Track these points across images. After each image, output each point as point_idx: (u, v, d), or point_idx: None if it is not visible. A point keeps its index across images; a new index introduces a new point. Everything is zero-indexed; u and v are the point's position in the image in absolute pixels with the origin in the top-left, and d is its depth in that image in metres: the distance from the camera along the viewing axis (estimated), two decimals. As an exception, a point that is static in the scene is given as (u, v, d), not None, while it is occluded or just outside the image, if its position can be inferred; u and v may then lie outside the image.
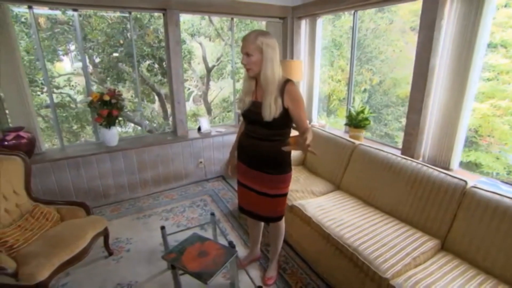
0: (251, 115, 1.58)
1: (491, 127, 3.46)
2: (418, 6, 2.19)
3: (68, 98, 5.79)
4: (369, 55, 5.20)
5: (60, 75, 5.76)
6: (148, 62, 5.71)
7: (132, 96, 6.10)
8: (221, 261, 1.55)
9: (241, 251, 2.19)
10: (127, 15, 2.96)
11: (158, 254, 2.18)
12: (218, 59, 6.95)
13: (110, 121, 2.75)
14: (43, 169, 2.54)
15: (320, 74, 3.57)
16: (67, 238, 1.79)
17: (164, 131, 3.82)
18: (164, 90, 6.29)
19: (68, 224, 1.95)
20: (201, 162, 3.36)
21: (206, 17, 5.96)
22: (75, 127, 5.95)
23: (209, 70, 6.96)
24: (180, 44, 2.99)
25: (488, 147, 3.55)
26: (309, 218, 1.96)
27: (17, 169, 2.02)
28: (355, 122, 2.77)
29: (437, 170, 1.84)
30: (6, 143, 2.28)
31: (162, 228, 1.94)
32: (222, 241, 2.18)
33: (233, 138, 3.23)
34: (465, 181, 1.68)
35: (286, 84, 1.48)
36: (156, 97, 6.70)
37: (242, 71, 1.61)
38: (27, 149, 2.38)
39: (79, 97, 5.82)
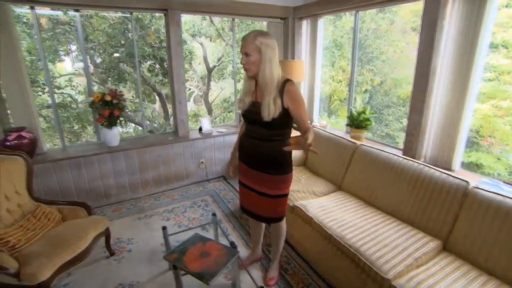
0: (251, 115, 1.58)
1: (492, 128, 3.45)
2: (419, 6, 2.19)
3: (69, 98, 5.80)
4: (370, 55, 5.20)
5: (61, 75, 5.78)
6: (149, 62, 5.72)
7: (133, 97, 6.11)
8: (222, 261, 1.55)
9: (243, 251, 2.19)
10: (128, 15, 2.96)
11: (159, 254, 2.18)
12: (219, 60, 6.96)
13: (111, 121, 2.75)
14: (45, 169, 2.55)
15: (321, 74, 3.57)
16: (69, 238, 1.79)
17: (165, 132, 3.82)
18: (165, 90, 6.30)
19: (69, 224, 1.96)
20: (202, 163, 3.36)
21: (207, 17, 5.97)
22: (76, 127, 5.97)
23: (210, 71, 6.96)
24: (182, 45, 2.99)
25: (489, 147, 3.54)
26: (311, 219, 1.96)
27: (19, 169, 2.02)
28: (357, 123, 2.77)
29: (438, 170, 1.83)
30: (8, 143, 2.29)
31: (164, 228, 1.94)
32: (224, 241, 2.18)
33: (234, 138, 3.24)
34: (467, 182, 1.67)
35: (286, 84, 1.48)
36: (157, 97, 6.71)
37: (243, 71, 1.61)
38: (29, 149, 2.38)
39: (80, 97, 5.83)
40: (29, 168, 2.07)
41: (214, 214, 2.11)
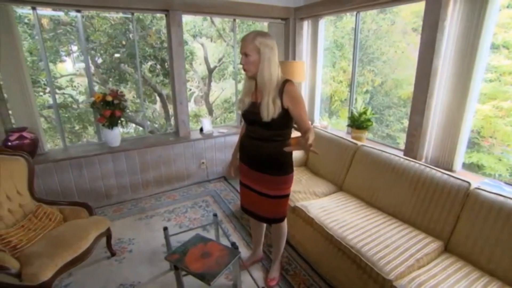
0: (250, 116, 1.58)
1: (493, 128, 3.45)
2: (420, 7, 2.19)
3: (70, 99, 5.81)
4: (371, 56, 5.20)
5: (62, 76, 5.78)
6: (150, 63, 5.72)
7: (134, 97, 6.11)
8: (224, 262, 1.55)
9: (244, 252, 2.19)
10: (129, 16, 2.97)
11: (160, 255, 2.18)
12: (219, 60, 6.96)
13: (112, 122, 2.75)
14: (46, 170, 2.55)
15: (322, 75, 3.57)
16: (70, 238, 1.79)
17: (166, 132, 3.82)
18: (165, 91, 6.30)
19: (71, 225, 1.96)
20: (203, 163, 3.36)
21: (208, 18, 5.98)
22: (77, 127, 5.97)
23: (210, 71, 6.97)
24: (183, 45, 3.00)
25: (490, 148, 3.54)
26: (312, 219, 1.96)
27: (20, 170, 2.02)
28: (358, 123, 2.77)
29: (440, 171, 1.83)
30: (9, 143, 2.29)
31: (165, 229, 1.94)
32: (225, 242, 2.18)
33: (235, 139, 3.25)
34: (469, 183, 1.67)
35: (285, 84, 1.48)
36: (158, 98, 6.71)
37: (244, 72, 1.61)
38: (30, 149, 2.39)
39: (81, 98, 5.84)
40: (30, 168, 2.08)
41: (215, 215, 2.11)
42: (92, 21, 5.18)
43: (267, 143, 1.57)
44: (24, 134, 2.39)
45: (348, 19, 5.19)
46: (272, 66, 1.46)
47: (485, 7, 1.78)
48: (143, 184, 3.07)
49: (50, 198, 2.34)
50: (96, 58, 5.65)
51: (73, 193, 2.72)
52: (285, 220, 1.81)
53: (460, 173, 2.06)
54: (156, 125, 6.87)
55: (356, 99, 3.07)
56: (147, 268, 2.05)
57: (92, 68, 5.63)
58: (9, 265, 1.49)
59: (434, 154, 2.22)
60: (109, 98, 2.69)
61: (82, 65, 5.62)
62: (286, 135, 1.60)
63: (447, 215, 1.70)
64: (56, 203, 2.12)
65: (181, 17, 2.89)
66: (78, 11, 2.61)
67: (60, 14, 4.75)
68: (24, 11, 4.23)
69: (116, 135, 2.85)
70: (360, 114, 2.77)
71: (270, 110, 1.46)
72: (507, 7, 3.28)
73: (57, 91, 5.42)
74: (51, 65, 5.17)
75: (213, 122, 7.17)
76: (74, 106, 5.83)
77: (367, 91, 5.28)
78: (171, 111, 6.50)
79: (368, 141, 2.83)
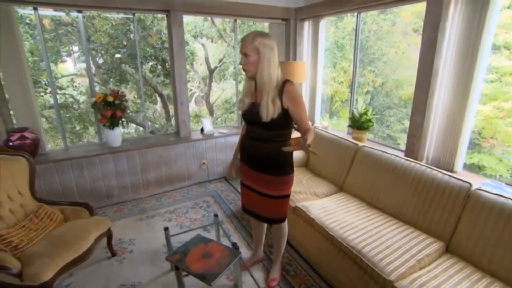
0: (250, 116, 1.58)
1: (494, 129, 3.45)
2: (420, 7, 2.19)
3: (71, 99, 5.82)
4: (371, 56, 5.20)
5: (63, 76, 5.79)
6: (151, 63, 5.73)
7: (134, 97, 6.12)
8: (225, 262, 1.55)
9: (244, 252, 2.19)
10: (130, 16, 2.98)
11: (161, 255, 2.18)
12: (220, 61, 6.96)
13: (113, 122, 2.76)
14: (47, 170, 2.55)
15: (322, 75, 3.57)
16: (71, 238, 1.79)
17: (167, 132, 3.83)
18: (166, 91, 6.31)
19: (72, 225, 1.96)
20: (204, 163, 3.36)
21: (209, 18, 5.98)
22: (78, 127, 5.98)
23: (211, 71, 6.97)
24: (184, 45, 3.00)
25: (491, 149, 3.53)
26: (313, 220, 1.96)
27: (21, 170, 2.03)
28: (358, 124, 2.77)
29: (441, 172, 1.83)
30: (10, 143, 2.29)
31: (166, 229, 1.94)
32: (226, 242, 2.18)
33: (236, 139, 3.25)
34: (470, 184, 1.67)
35: (285, 84, 1.48)
36: (159, 98, 6.71)
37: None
38: (31, 149, 2.39)
39: (82, 98, 5.85)
40: (31, 169, 2.08)
41: (216, 215, 2.11)
42: (93, 21, 5.19)
43: (267, 144, 1.57)
44: (25, 134, 2.39)
45: (349, 19, 5.19)
46: (272, 66, 1.46)
47: (486, 8, 1.79)
48: (144, 185, 3.08)
49: (51, 198, 2.34)
50: (97, 59, 5.66)
51: (74, 193, 2.72)
52: (286, 221, 1.81)
53: (461, 174, 2.06)
54: (157, 126, 6.88)
55: (357, 100, 3.08)
56: (147, 269, 2.05)
57: (93, 68, 5.63)
58: (10, 265, 1.49)
59: (435, 155, 2.22)
60: (110, 99, 2.69)
61: (83, 65, 5.63)
62: (286, 135, 1.60)
63: (448, 216, 1.70)
64: (57, 203, 2.12)
65: (182, 17, 2.89)
66: (80, 11, 2.61)
67: (61, 14, 4.75)
68: (25, 11, 4.24)
69: (117, 135, 2.85)
70: (361, 115, 2.77)
71: (269, 111, 1.46)
72: (508, 7, 3.28)
73: (58, 91, 5.43)
74: (52, 66, 5.18)
75: (214, 122, 7.16)
76: (75, 106, 5.84)
77: (367, 92, 5.27)
78: (171, 111, 6.50)
79: (368, 142, 2.83)
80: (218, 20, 6.29)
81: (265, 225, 2.02)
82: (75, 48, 5.73)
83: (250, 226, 2.42)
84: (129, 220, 2.66)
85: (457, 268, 1.51)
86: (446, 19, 1.99)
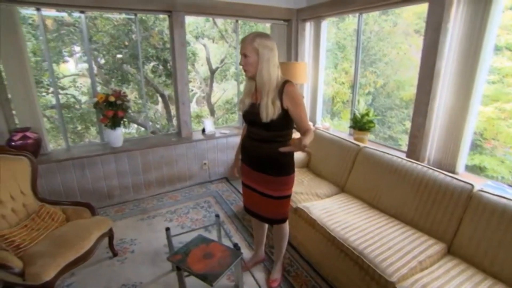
0: (250, 116, 1.59)
1: (496, 130, 3.44)
2: (422, 8, 2.20)
3: (72, 99, 5.83)
4: (373, 57, 5.20)
5: (65, 76, 5.81)
6: (152, 63, 5.74)
7: (136, 97, 6.14)
8: (226, 263, 1.55)
9: (246, 253, 2.19)
10: (132, 17, 2.98)
11: (162, 255, 2.18)
12: (221, 61, 6.97)
13: (115, 122, 2.76)
14: (49, 170, 2.56)
15: (324, 76, 3.57)
16: (73, 238, 1.80)
17: (168, 133, 3.83)
18: (167, 92, 6.32)
19: (73, 225, 1.97)
20: (205, 164, 3.36)
21: (210, 19, 6.00)
22: (79, 127, 5.99)
23: (212, 72, 6.98)
24: (185, 46, 3.01)
25: (492, 150, 3.52)
26: (314, 221, 1.96)
27: (24, 169, 2.03)
28: (360, 125, 2.76)
29: (443, 173, 1.83)
30: (13, 143, 2.30)
31: (167, 229, 1.94)
32: (227, 243, 2.19)
33: (237, 139, 3.25)
34: (472, 185, 1.67)
35: (285, 85, 1.49)
36: (160, 98, 6.73)
37: (245, 72, 1.62)
38: (33, 149, 2.40)
39: (83, 98, 5.87)
40: (34, 168, 2.09)
41: (217, 216, 2.11)
42: (95, 21, 5.21)
43: (267, 144, 1.58)
44: (28, 134, 2.40)
45: (350, 20, 5.19)
46: (271, 67, 1.47)
47: (489, 9, 1.78)
48: (145, 185, 3.08)
49: (53, 198, 2.35)
50: (99, 59, 5.67)
51: (75, 193, 2.73)
52: (287, 221, 1.81)
53: (463, 175, 2.06)
54: (158, 126, 6.89)
55: (358, 101, 3.07)
56: (149, 269, 2.06)
57: (95, 69, 5.66)
58: (13, 265, 1.50)
59: (437, 156, 2.21)
60: (112, 99, 2.70)
61: (85, 65, 5.64)
62: (286, 136, 1.60)
63: (450, 217, 1.69)
64: (59, 203, 2.13)
65: (183, 18, 2.90)
66: (82, 12, 2.62)
67: (63, 15, 4.77)
68: (28, 11, 4.26)
69: (118, 135, 2.86)
70: (363, 116, 2.77)
71: (269, 111, 1.46)
72: (510, 8, 3.27)
73: (60, 91, 5.44)
74: (54, 66, 5.19)
75: (215, 123, 7.16)
76: (77, 106, 5.86)
77: (369, 93, 5.27)
78: (173, 111, 6.52)
79: (370, 143, 2.82)
80: (219, 21, 6.30)
81: (266, 225, 2.02)
82: (77, 49, 5.75)
83: (251, 227, 2.42)
84: (130, 220, 2.66)
85: (459, 270, 1.50)
86: (448, 20, 1.99)
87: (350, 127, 3.02)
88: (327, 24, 3.36)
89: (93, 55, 5.37)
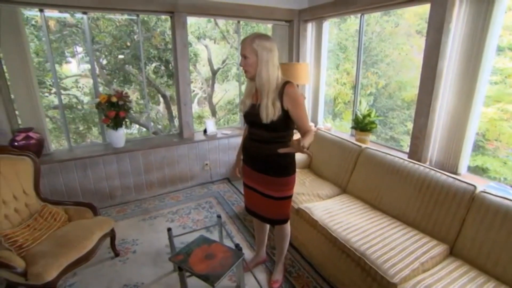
0: (251, 117, 1.59)
1: (498, 131, 3.42)
2: (423, 9, 2.20)
3: (75, 100, 5.86)
4: (374, 58, 5.20)
5: (67, 77, 5.84)
6: (154, 64, 5.76)
7: (137, 98, 6.15)
8: (228, 263, 1.55)
9: (247, 253, 2.19)
10: (134, 17, 2.99)
11: (164, 255, 2.18)
12: (223, 62, 6.98)
13: (117, 123, 2.77)
14: (51, 170, 2.57)
15: (325, 77, 3.57)
16: (75, 238, 1.80)
17: (170, 133, 3.84)
18: (169, 92, 6.33)
19: (75, 225, 1.97)
20: (206, 164, 3.37)
21: (212, 20, 6.01)
22: (81, 128, 6.02)
23: (214, 73, 6.99)
24: (187, 47, 3.01)
25: (495, 151, 3.51)
26: (316, 222, 1.96)
27: (26, 169, 2.04)
28: (362, 126, 2.76)
29: (445, 174, 1.82)
30: (16, 143, 2.31)
31: (169, 230, 1.95)
32: (228, 243, 2.19)
33: (238, 140, 3.24)
34: (474, 186, 1.66)
35: (285, 86, 1.49)
36: (161, 99, 6.74)
37: (246, 73, 1.63)
38: (36, 149, 2.41)
39: (86, 99, 5.89)
40: (36, 168, 2.10)
41: (219, 216, 2.11)
42: (98, 22, 5.23)
43: (268, 145, 1.58)
44: (30, 134, 2.41)
45: (352, 21, 5.19)
46: (270, 68, 1.47)
47: (491, 9, 1.78)
48: (147, 185, 3.09)
49: (55, 198, 2.36)
50: (101, 59, 5.69)
51: (77, 193, 2.74)
52: (288, 222, 1.81)
53: (465, 176, 2.05)
54: (160, 126, 6.90)
55: (360, 101, 3.07)
56: (150, 269, 2.06)
57: (97, 69, 5.68)
58: (15, 264, 1.51)
59: (439, 157, 2.21)
60: (114, 99, 2.71)
61: (87, 66, 5.67)
62: (287, 136, 1.60)
63: (452, 218, 1.69)
64: (61, 203, 2.13)
65: (185, 19, 2.90)
66: (85, 12, 2.63)
67: (66, 16, 4.80)
68: (31, 13, 4.29)
69: (120, 136, 2.87)
70: (364, 117, 2.77)
71: (269, 112, 1.46)
72: (513, 9, 3.26)
73: (62, 92, 5.47)
74: (56, 66, 5.22)
75: (216, 123, 7.18)
76: (79, 106, 5.88)
77: (370, 93, 5.27)
78: (174, 112, 6.53)
79: (371, 144, 2.82)
80: (221, 22, 6.31)
81: (268, 226, 2.02)
82: (79, 49, 5.78)
83: (253, 227, 2.42)
84: (132, 221, 2.67)
85: (461, 271, 1.50)
86: (451, 20, 1.99)
87: (352, 128, 3.02)
88: (328, 25, 3.36)
89: (95, 56, 5.39)
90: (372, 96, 5.29)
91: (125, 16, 5.00)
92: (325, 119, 3.83)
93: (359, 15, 2.89)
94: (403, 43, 4.92)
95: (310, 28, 3.47)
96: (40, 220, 1.92)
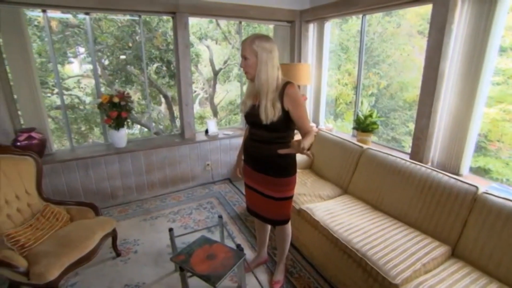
0: (251, 118, 1.59)
1: (501, 132, 3.41)
2: (425, 9, 2.19)
3: (77, 100, 5.88)
4: (376, 58, 5.19)
5: (69, 77, 5.87)
6: (156, 64, 5.78)
7: (139, 98, 6.17)
8: (229, 264, 1.55)
9: (248, 254, 2.19)
10: (136, 18, 3.01)
11: (165, 256, 2.19)
12: (225, 62, 7.00)
13: (119, 123, 2.78)
14: (53, 170, 2.58)
15: (327, 77, 3.57)
16: (77, 238, 1.81)
17: (172, 133, 3.85)
18: (171, 93, 6.35)
19: (77, 225, 1.98)
20: (208, 165, 3.37)
21: (214, 20, 6.02)
22: (83, 128, 6.04)
23: (215, 73, 7.00)
24: (189, 47, 3.02)
25: (497, 152, 3.50)
26: (317, 222, 1.96)
27: (29, 169, 2.05)
28: (363, 126, 2.76)
29: (447, 175, 1.81)
30: (18, 143, 2.32)
31: (170, 230, 1.95)
32: (230, 243, 2.18)
33: (240, 141, 3.25)
34: (476, 187, 1.65)
35: (286, 86, 1.49)
36: (163, 99, 6.76)
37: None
38: (38, 149, 2.42)
39: (87, 99, 5.91)
40: (38, 168, 2.10)
41: (220, 216, 2.11)
42: (100, 23, 5.25)
43: (269, 145, 1.58)
44: (33, 134, 2.43)
45: (353, 21, 5.19)
46: (270, 69, 1.47)
47: (493, 10, 1.77)
48: (149, 185, 3.09)
49: (57, 198, 2.37)
50: (103, 60, 5.72)
51: (79, 193, 2.74)
52: (289, 223, 1.81)
53: (467, 177, 2.04)
54: (161, 127, 6.92)
55: (361, 102, 3.06)
56: (152, 269, 2.06)
57: (99, 70, 5.70)
58: (18, 264, 1.52)
59: (441, 158, 2.20)
60: (116, 100, 2.72)
61: (89, 66, 5.70)
62: (288, 137, 1.60)
63: (454, 219, 1.68)
64: (63, 203, 2.14)
65: (187, 19, 2.91)
66: (87, 13, 2.64)
67: (68, 16, 4.82)
68: (34, 13, 4.31)
69: (122, 136, 2.88)
70: (366, 117, 2.76)
71: (269, 113, 1.47)
72: (515, 10, 3.25)
73: (65, 92, 5.49)
74: (58, 67, 5.25)
75: (218, 124, 7.19)
76: (81, 107, 5.91)
77: (372, 94, 5.26)
78: (176, 112, 6.54)
79: (373, 144, 2.81)
80: (223, 22, 6.33)
81: (269, 226, 2.01)
82: (82, 50, 5.80)
83: (254, 228, 2.42)
84: (133, 221, 2.68)
85: (463, 273, 1.49)
86: (453, 21, 1.98)
87: (353, 128, 3.01)
88: (330, 26, 3.36)
89: (97, 56, 5.41)
90: (374, 97, 5.28)
91: (127, 17, 5.02)
92: (326, 119, 3.83)
93: (360, 16, 2.89)
94: (404, 43, 4.91)
95: (312, 28, 3.47)
96: (42, 220, 1.93)
